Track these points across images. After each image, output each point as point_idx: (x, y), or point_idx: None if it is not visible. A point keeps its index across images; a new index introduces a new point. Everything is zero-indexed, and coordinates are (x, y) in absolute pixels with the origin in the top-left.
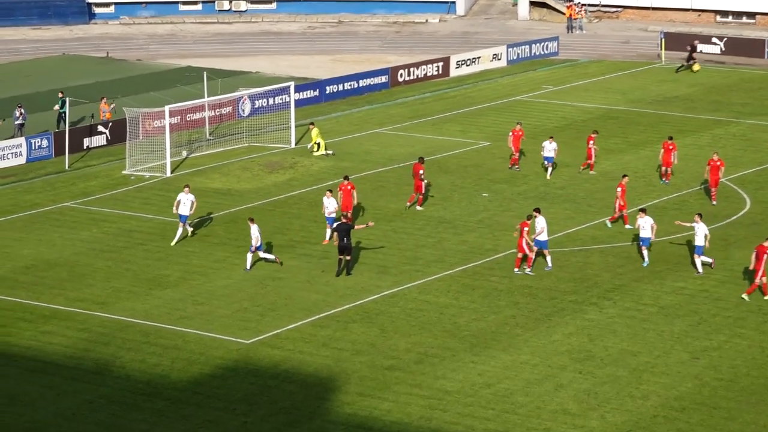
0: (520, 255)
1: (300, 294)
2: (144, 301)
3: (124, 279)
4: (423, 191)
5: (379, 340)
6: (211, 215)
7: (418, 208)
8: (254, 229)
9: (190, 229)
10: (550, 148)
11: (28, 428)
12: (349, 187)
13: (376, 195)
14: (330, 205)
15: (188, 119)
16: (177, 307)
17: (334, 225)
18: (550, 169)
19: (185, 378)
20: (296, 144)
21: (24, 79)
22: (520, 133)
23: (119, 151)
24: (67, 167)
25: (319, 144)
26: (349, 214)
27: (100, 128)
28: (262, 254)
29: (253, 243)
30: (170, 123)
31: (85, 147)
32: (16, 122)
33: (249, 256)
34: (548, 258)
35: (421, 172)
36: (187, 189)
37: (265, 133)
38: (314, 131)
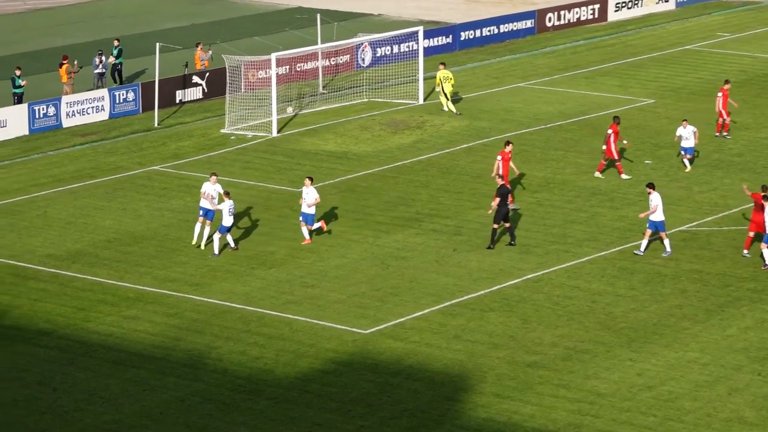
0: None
1: (427, 276)
2: (245, 282)
3: (222, 257)
4: (618, 157)
5: (521, 332)
6: (325, 182)
7: (624, 177)
8: (228, 205)
9: (205, 235)
10: (687, 134)
11: (110, 429)
12: (509, 155)
13: (519, 161)
14: (309, 195)
15: (298, 69)
16: (283, 289)
17: (499, 188)
18: (687, 163)
19: (292, 373)
20: (425, 100)
21: (106, 21)
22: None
23: (217, 107)
24: (156, 124)
25: (446, 95)
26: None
27: (196, 79)
28: (219, 237)
29: (224, 222)
30: (277, 74)
31: (177, 101)
32: (96, 71)
33: (216, 238)
34: (666, 242)
35: (611, 132)
36: (213, 178)
37: (388, 86)
38: (442, 73)
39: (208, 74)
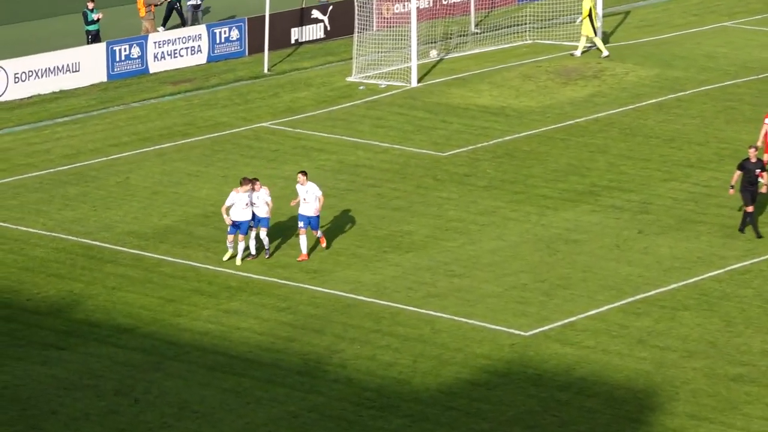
0: None
1: (605, 265)
2: (375, 269)
3: (346, 236)
4: None
5: (723, 337)
6: (477, 145)
7: None
8: (264, 194)
9: (248, 248)
10: None
11: None
12: None
13: (722, 120)
14: (307, 193)
15: (445, 3)
16: (423, 279)
17: (745, 162)
18: None
19: (433, 385)
20: (604, 43)
21: None
22: None
23: (342, 48)
24: (266, 70)
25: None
26: None
27: (315, 14)
28: (260, 236)
29: (262, 214)
30: (418, 8)
31: (293, 41)
32: (190, 2)
33: (245, 236)
34: None
35: None
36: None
37: (557, 25)
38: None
39: (331, 8)
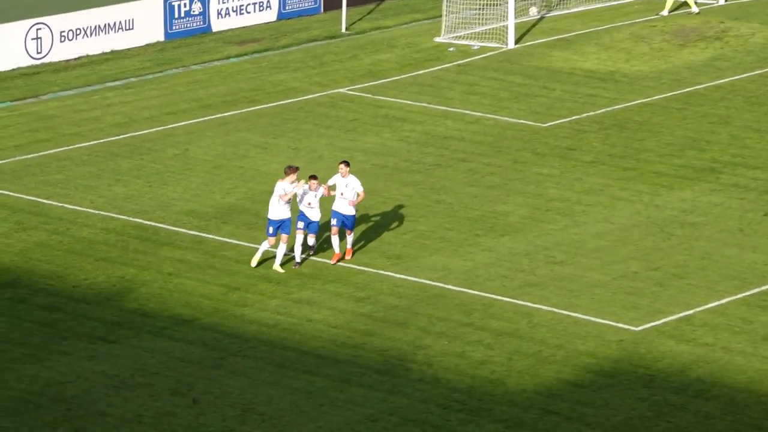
0: None
1: (726, 251)
2: (465, 255)
3: (433, 217)
4: None
5: None
6: (581, 115)
7: None
8: (319, 193)
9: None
10: None
11: None
12: None
13: None
14: (346, 187)
15: None
16: (520, 266)
17: None
18: None
19: (531, 386)
20: None
21: None
22: None
23: (430, 5)
24: (344, 29)
25: None
26: None
27: None
28: (307, 240)
29: (313, 218)
30: None
31: None
32: None
33: (298, 238)
34: None
35: None
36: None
37: None
38: None
39: None
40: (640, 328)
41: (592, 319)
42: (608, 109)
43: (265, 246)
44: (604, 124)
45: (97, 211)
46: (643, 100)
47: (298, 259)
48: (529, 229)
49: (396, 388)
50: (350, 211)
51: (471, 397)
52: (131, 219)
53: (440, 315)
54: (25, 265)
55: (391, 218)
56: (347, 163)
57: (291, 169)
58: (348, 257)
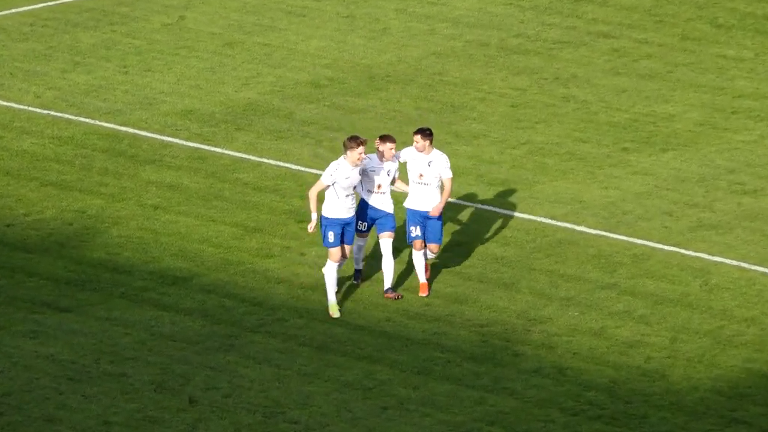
0: None
1: None
2: (606, 180)
3: (558, 123)
4: None
5: None
6: None
7: None
8: (394, 168)
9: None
10: None
11: None
12: None
13: None
14: (429, 167)
15: None
16: (690, 197)
17: None
18: None
19: (706, 382)
20: None
21: None
22: None
23: None
24: None
25: None
26: None
27: None
28: (383, 249)
29: (380, 208)
30: None
31: None
32: None
33: (357, 244)
34: None
35: None
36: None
37: None
38: None
39: None
40: None
41: None
42: None
43: (332, 271)
44: None
45: (45, 111)
46: None
47: (359, 266)
48: (705, 142)
49: (499, 383)
50: (434, 212)
51: (614, 398)
52: (97, 123)
53: (568, 272)
54: None
55: (494, 124)
56: (427, 134)
57: (355, 141)
58: (423, 294)
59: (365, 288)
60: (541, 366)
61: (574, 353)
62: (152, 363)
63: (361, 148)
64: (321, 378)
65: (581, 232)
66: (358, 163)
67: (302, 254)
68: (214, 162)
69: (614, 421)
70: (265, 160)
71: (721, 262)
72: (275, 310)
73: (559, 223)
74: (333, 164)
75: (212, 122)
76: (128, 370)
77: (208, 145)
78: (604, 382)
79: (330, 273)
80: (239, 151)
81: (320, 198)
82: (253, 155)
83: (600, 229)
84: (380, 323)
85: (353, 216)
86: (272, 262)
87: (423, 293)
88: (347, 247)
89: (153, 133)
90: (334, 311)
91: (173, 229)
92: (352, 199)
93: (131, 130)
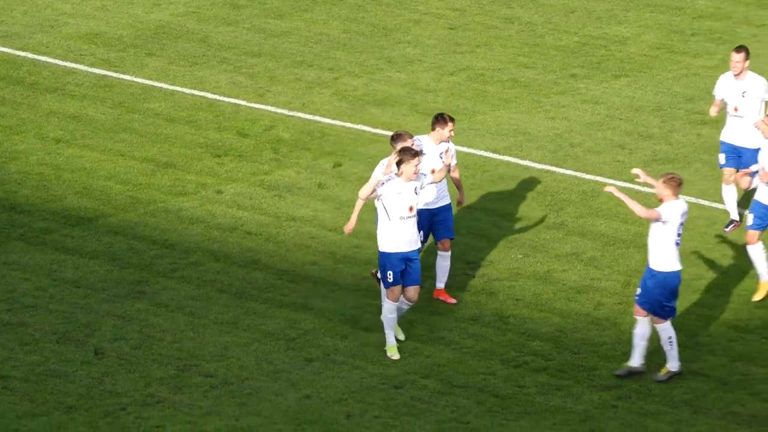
0: None
1: None
2: (552, 110)
3: (499, 46)
4: None
5: None
6: None
7: None
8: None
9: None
10: None
11: None
12: None
13: None
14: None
15: None
16: (646, 129)
17: None
18: None
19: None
20: None
21: None
22: None
23: None
24: None
25: None
26: None
27: None
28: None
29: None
30: None
31: None
32: None
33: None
34: None
35: None
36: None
37: None
38: None
39: None
40: None
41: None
42: None
43: (390, 311)
44: None
45: None
46: None
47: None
48: (661, 67)
49: (434, 332)
50: (438, 200)
51: (560, 349)
52: None
53: (510, 210)
54: None
55: (430, 48)
56: (451, 119)
57: (410, 154)
58: (446, 300)
59: (288, 228)
60: (480, 314)
61: (516, 299)
62: (54, 311)
63: (416, 160)
64: (240, 327)
65: (525, 167)
66: (414, 177)
67: (219, 192)
68: (122, 90)
69: (560, 373)
70: (179, 89)
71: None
72: (189, 253)
73: (501, 157)
74: (381, 165)
75: (120, 47)
76: (28, 320)
77: (116, 71)
78: (549, 331)
79: (389, 315)
80: (150, 79)
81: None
82: (165, 83)
83: (546, 164)
84: (305, 267)
85: (418, 249)
86: (186, 201)
87: (449, 301)
88: (413, 289)
89: (55, 58)
90: (394, 353)
91: (77, 164)
92: (413, 223)
93: (30, 56)
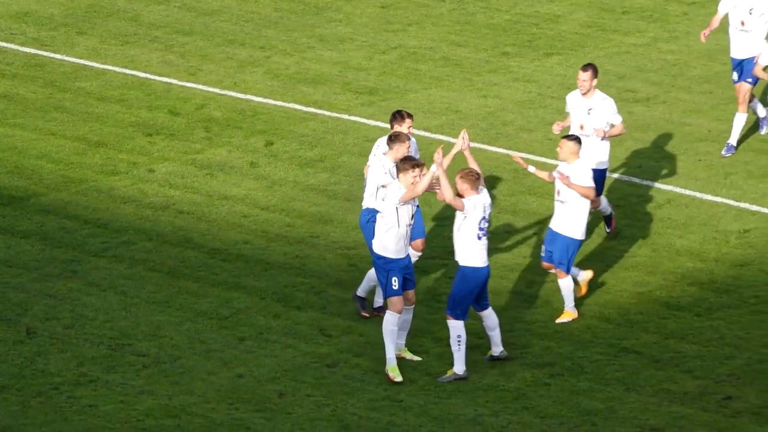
0: None
1: None
2: (484, 88)
3: (431, 25)
4: None
5: None
6: None
7: None
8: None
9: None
10: None
11: None
12: None
13: None
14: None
15: None
16: None
17: None
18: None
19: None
20: None
21: None
22: None
23: None
24: None
25: None
26: None
27: None
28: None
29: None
30: None
31: None
32: None
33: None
34: None
35: None
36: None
37: None
38: None
39: None
40: None
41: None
42: None
43: (393, 323)
44: None
45: None
46: None
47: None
48: (592, 45)
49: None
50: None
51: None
52: None
53: None
54: None
55: (361, 27)
56: (403, 117)
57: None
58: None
59: (220, 207)
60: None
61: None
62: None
63: (416, 171)
64: (172, 306)
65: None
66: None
67: (151, 170)
68: (53, 69)
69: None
70: (110, 68)
71: (610, 177)
72: (121, 232)
73: (433, 135)
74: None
75: (51, 25)
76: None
77: (47, 50)
78: None
79: (390, 326)
80: (81, 58)
81: None
82: (96, 62)
83: (478, 142)
84: (237, 246)
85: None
86: (118, 180)
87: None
88: (411, 292)
89: None
90: (396, 374)
91: (8, 143)
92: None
93: None
